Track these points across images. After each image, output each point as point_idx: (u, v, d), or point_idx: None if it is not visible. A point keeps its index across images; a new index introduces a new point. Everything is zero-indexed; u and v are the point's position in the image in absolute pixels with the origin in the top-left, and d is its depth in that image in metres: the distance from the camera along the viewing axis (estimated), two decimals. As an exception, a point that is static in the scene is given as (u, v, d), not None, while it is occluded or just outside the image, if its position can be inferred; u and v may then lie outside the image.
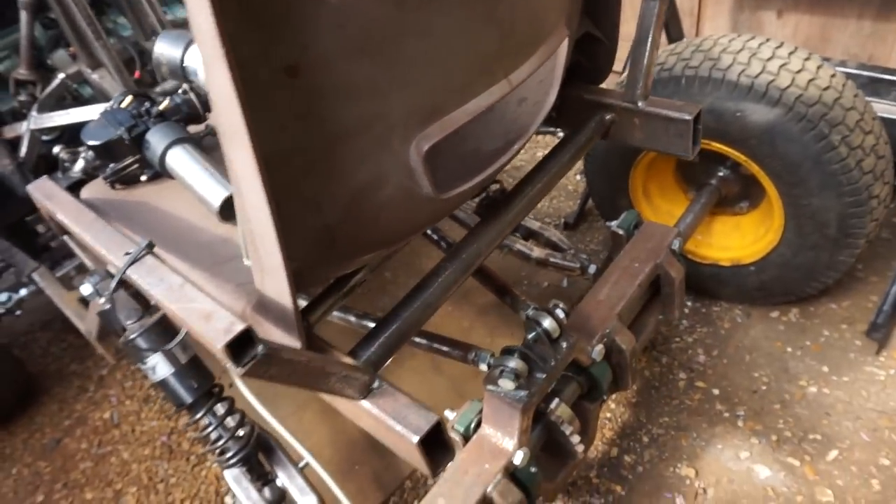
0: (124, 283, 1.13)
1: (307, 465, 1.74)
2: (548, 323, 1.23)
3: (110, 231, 1.25)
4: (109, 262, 1.21)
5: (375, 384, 1.14)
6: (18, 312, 2.53)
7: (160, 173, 1.60)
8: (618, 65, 1.79)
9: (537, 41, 1.20)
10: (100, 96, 2.28)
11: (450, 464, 1.19)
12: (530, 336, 1.23)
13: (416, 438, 1.08)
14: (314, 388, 1.07)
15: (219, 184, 1.45)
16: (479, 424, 1.31)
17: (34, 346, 2.98)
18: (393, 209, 1.11)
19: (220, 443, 1.64)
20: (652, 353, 2.31)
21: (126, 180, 1.61)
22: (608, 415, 2.16)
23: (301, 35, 0.82)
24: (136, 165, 1.58)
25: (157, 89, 2.32)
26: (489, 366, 1.69)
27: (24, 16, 2.16)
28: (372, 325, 1.60)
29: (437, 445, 1.14)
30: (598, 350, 1.48)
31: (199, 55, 1.25)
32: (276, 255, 0.93)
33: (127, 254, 1.09)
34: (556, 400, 1.40)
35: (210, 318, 0.93)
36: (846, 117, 1.75)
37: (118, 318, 1.27)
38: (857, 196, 1.80)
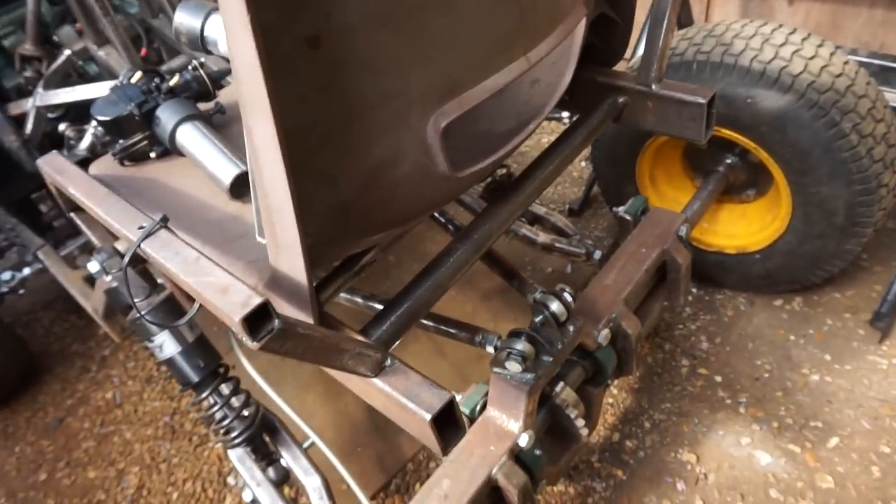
0: (137, 258, 1.13)
1: (312, 445, 1.75)
2: (555, 306, 1.23)
3: (124, 205, 1.24)
4: (123, 236, 1.20)
5: (388, 362, 1.14)
6: (22, 291, 2.53)
7: (169, 150, 1.59)
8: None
9: (556, 20, 1.20)
10: (106, 74, 2.26)
11: (455, 446, 1.20)
12: (537, 319, 1.23)
13: (428, 416, 1.08)
14: (328, 365, 1.07)
15: (230, 161, 1.44)
16: (484, 407, 1.32)
17: (36, 326, 2.98)
18: (408, 186, 1.10)
19: (226, 422, 1.65)
20: (655, 340, 2.32)
21: (135, 157, 1.60)
22: (610, 400, 2.17)
23: (324, 3, 0.81)
24: (145, 142, 1.57)
25: (164, 67, 2.31)
26: (496, 348, 1.69)
27: (30, -9, 2.15)
28: (379, 306, 1.60)
29: (448, 424, 1.14)
30: (604, 334, 1.48)
31: (220, 25, 1.25)
32: (293, 230, 0.93)
33: (141, 227, 1.09)
34: (562, 384, 1.41)
35: (227, 291, 0.93)
36: (858, 105, 1.75)
37: (127, 294, 1.26)
38: (866, 184, 1.80)
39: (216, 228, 1.40)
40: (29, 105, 2.23)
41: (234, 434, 1.65)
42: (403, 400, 1.11)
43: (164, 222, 1.10)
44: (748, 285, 2.34)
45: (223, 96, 1.76)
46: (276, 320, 0.90)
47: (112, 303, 1.76)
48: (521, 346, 1.21)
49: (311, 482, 1.63)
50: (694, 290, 2.45)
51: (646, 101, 1.61)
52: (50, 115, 2.24)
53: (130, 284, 1.30)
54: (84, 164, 1.68)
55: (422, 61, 0.96)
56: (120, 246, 1.64)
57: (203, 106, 1.64)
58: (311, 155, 0.94)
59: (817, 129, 1.75)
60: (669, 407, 2.12)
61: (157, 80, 1.60)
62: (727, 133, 1.91)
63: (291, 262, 1.00)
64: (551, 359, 1.24)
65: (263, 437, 1.72)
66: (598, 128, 1.62)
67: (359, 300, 1.87)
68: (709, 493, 1.88)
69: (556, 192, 3.12)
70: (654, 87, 1.58)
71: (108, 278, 1.65)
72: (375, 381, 1.14)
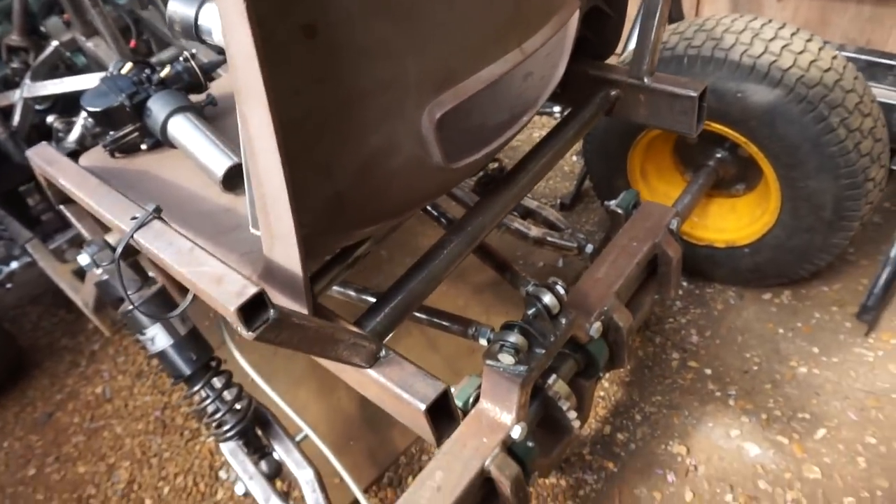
0: (129, 250, 1.12)
1: (305, 438, 1.75)
2: (548, 299, 1.23)
3: (115, 196, 1.24)
4: (115, 227, 1.19)
5: (382, 353, 1.15)
6: (9, 286, 2.51)
7: (160, 142, 1.59)
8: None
9: (550, 11, 1.20)
10: (94, 65, 2.24)
11: (448, 438, 1.20)
12: (530, 311, 1.24)
13: (423, 406, 1.08)
14: (322, 355, 1.07)
15: (222, 153, 1.43)
16: (477, 399, 1.32)
17: (24, 321, 2.95)
18: (403, 177, 1.10)
19: (218, 416, 1.64)
20: (646, 334, 2.33)
21: (126, 149, 1.59)
22: (602, 393, 2.19)
23: (320, -9, 0.81)
24: (136, 133, 1.56)
25: (154, 59, 2.29)
26: (489, 341, 1.70)
27: (16, -20, 2.12)
28: (372, 299, 1.60)
29: (442, 415, 1.14)
30: (595, 327, 1.49)
31: (215, 13, 1.24)
32: (288, 220, 0.93)
33: (134, 218, 1.08)
34: (554, 376, 1.42)
35: (222, 281, 0.93)
36: (846, 99, 1.77)
37: (119, 285, 1.25)
38: (853, 178, 1.82)
39: (208, 220, 1.40)
40: (16, 96, 2.21)
41: (226, 427, 1.64)
42: (398, 390, 1.11)
43: (157, 213, 1.10)
44: (737, 279, 2.36)
45: (214, 88, 1.75)
46: (272, 310, 0.90)
47: (102, 296, 1.75)
48: (514, 338, 1.21)
49: (304, 475, 1.62)
50: (684, 284, 2.47)
51: (638, 95, 1.62)
52: (37, 107, 2.22)
53: (122, 280, 1.30)
54: (73, 156, 1.67)
55: (417, 50, 0.96)
56: (111, 238, 1.63)
57: (194, 98, 1.63)
58: (306, 144, 0.93)
59: (806, 123, 1.77)
60: (660, 400, 2.13)
61: (147, 71, 1.59)
62: (717, 127, 1.93)
63: (286, 252, 1.00)
64: (544, 351, 1.25)
65: (256, 430, 1.71)
66: (591, 121, 1.63)
67: (352, 293, 1.87)
68: (699, 484, 1.90)
69: (547, 186, 3.13)
70: (645, 80, 1.59)
71: (99, 271, 1.64)
72: (370, 371, 1.14)
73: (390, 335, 1.28)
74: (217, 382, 1.66)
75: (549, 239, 2.13)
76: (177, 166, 1.55)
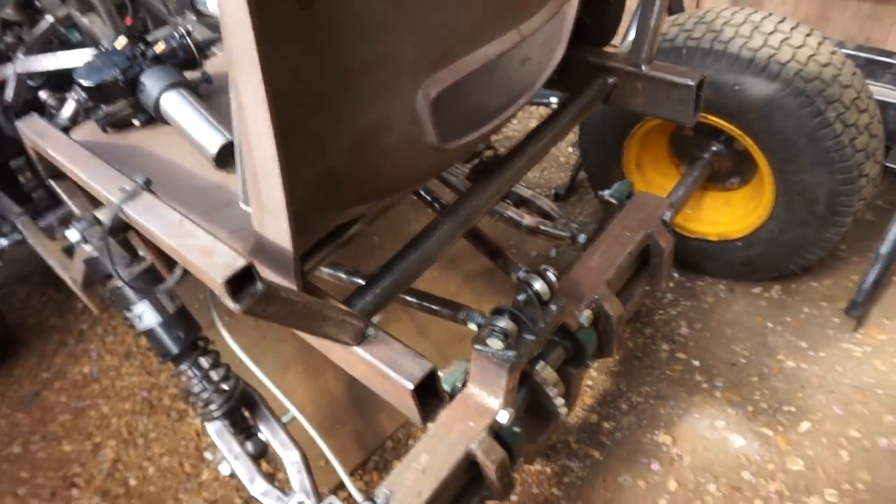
0: (119, 224, 1.11)
1: (291, 420, 1.75)
2: (539, 285, 1.23)
3: (107, 168, 1.22)
4: (104, 199, 1.18)
5: (370, 331, 1.14)
6: (-1, 263, 2.49)
7: (153, 118, 1.57)
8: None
9: (548, -6, 1.19)
10: (89, 41, 2.21)
11: (434, 419, 1.20)
12: (521, 297, 1.24)
13: (410, 385, 1.08)
14: (309, 331, 1.07)
15: (216, 130, 1.42)
16: (465, 383, 1.32)
17: (13, 299, 2.93)
18: (397, 156, 1.10)
19: (205, 395, 1.64)
20: (636, 325, 2.34)
21: (118, 124, 1.58)
22: (589, 382, 2.20)
23: (316, -40, 0.80)
24: (129, 109, 1.54)
25: (149, 37, 2.27)
26: (479, 325, 1.70)
27: (11, -47, 2.09)
28: (362, 282, 1.60)
29: (429, 395, 1.14)
30: (586, 315, 1.49)
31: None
32: (279, 194, 0.92)
33: (123, 189, 1.07)
34: (542, 363, 1.42)
35: (211, 253, 0.92)
36: (843, 95, 1.77)
37: (108, 261, 1.24)
38: (848, 174, 1.83)
39: (200, 196, 1.39)
40: (9, 71, 2.18)
41: (212, 407, 1.64)
42: (385, 369, 1.11)
43: (147, 185, 1.09)
44: (729, 272, 2.37)
45: (209, 66, 1.74)
46: (259, 283, 0.90)
47: (91, 272, 1.73)
48: (504, 323, 1.21)
49: (290, 456, 1.62)
50: (675, 277, 2.48)
51: (635, 83, 1.61)
52: (30, 83, 2.19)
53: (111, 253, 1.29)
54: (65, 132, 1.65)
55: (414, 26, 0.95)
56: (101, 214, 1.61)
57: (189, 75, 1.61)
58: (299, 117, 0.93)
59: (803, 117, 1.77)
60: (647, 390, 2.14)
61: (142, 46, 1.57)
62: (714, 120, 1.93)
63: (276, 226, 0.99)
64: (533, 337, 1.25)
65: (242, 410, 1.71)
66: (588, 108, 1.62)
67: (342, 275, 1.86)
68: (683, 473, 1.91)
69: (542, 176, 3.13)
70: (644, 68, 1.58)
71: (88, 247, 1.63)
72: (357, 349, 1.14)
73: (380, 317, 1.28)
74: (205, 362, 1.66)
75: (542, 228, 2.13)
76: (169, 142, 1.54)
